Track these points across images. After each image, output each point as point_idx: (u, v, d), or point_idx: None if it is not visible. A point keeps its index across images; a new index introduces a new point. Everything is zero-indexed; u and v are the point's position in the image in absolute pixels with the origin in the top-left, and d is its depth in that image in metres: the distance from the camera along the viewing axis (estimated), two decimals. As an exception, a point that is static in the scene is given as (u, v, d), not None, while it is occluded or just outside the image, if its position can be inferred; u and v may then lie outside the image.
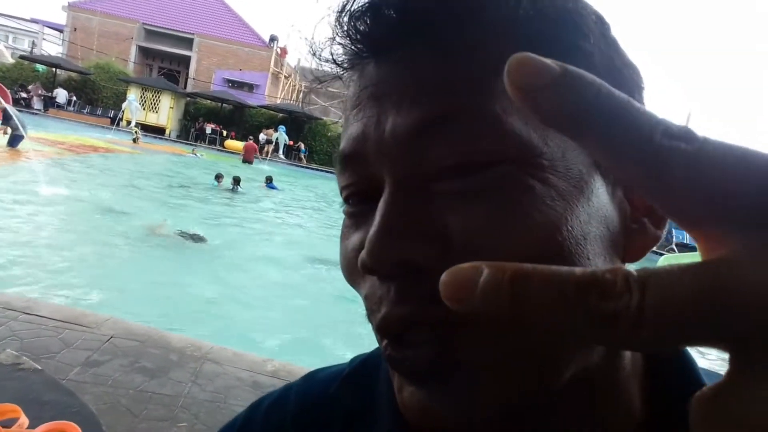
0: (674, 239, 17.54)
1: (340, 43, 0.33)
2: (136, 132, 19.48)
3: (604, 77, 0.30)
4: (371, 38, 0.32)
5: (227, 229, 8.33)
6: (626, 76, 0.33)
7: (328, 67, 0.35)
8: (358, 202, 0.34)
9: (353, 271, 0.33)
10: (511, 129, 0.28)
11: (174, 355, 3.01)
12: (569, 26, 0.31)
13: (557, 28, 0.31)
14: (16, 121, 9.34)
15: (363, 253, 0.29)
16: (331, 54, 0.34)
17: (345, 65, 0.34)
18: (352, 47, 0.33)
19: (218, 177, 12.01)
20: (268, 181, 13.50)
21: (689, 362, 0.37)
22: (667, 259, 15.96)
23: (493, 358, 0.28)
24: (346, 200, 0.35)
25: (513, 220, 0.28)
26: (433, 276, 0.28)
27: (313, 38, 0.34)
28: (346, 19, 0.32)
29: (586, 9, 0.32)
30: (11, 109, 9.86)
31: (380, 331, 0.31)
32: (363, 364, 0.45)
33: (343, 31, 0.32)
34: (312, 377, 0.47)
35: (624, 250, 0.32)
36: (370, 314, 0.32)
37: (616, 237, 0.31)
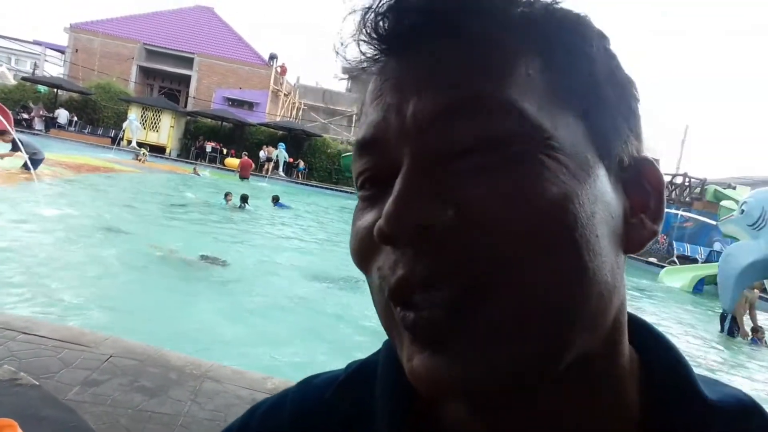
0: (675, 251, 17.52)
1: (363, 41, 0.34)
2: (144, 154, 19.56)
3: (605, 84, 0.34)
4: (395, 36, 0.33)
5: (234, 247, 8.31)
6: (625, 87, 0.36)
7: (350, 64, 0.36)
8: (373, 186, 0.35)
9: (364, 248, 0.34)
10: (526, 113, 0.30)
11: (173, 374, 2.99)
12: (576, 32, 0.34)
13: (566, 31, 0.34)
14: (21, 147, 9.57)
15: (380, 221, 0.30)
16: (360, 50, 0.35)
17: (367, 62, 0.36)
18: (376, 45, 0.34)
19: (227, 195, 12.07)
20: (276, 200, 13.53)
21: (687, 372, 0.38)
22: (667, 272, 15.73)
23: (507, 323, 0.29)
24: (361, 185, 0.36)
25: (528, 190, 0.29)
26: (450, 240, 0.29)
27: (340, 34, 0.36)
28: (371, 17, 0.33)
29: (589, 23, 0.35)
30: (23, 137, 10.22)
31: (395, 293, 0.31)
32: (359, 370, 0.45)
33: (367, 30, 0.34)
34: (308, 383, 0.47)
35: (624, 240, 0.34)
36: (382, 281, 0.32)
37: (617, 226, 0.33)
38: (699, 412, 0.35)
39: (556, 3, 0.34)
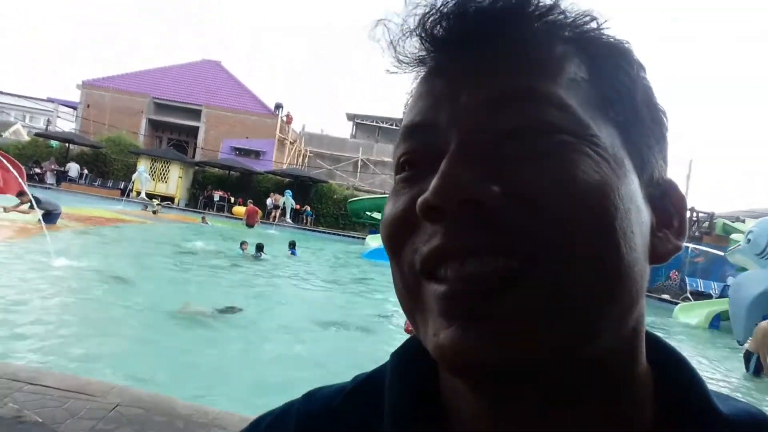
0: (688, 287, 17.22)
1: (420, 36, 0.36)
2: (158, 205, 19.76)
3: (642, 105, 0.36)
4: (455, 36, 0.35)
5: (248, 295, 8.24)
6: (658, 113, 0.38)
7: (405, 57, 0.38)
8: (414, 168, 0.36)
9: (400, 226, 0.34)
10: (572, 109, 0.32)
11: (180, 422, 2.92)
12: (620, 54, 0.36)
13: (611, 51, 0.36)
14: (35, 205, 9.94)
15: (426, 195, 0.31)
16: (424, 45, 0.36)
17: (420, 58, 0.37)
18: (434, 42, 0.36)
19: (242, 244, 12.08)
20: (292, 246, 13.49)
21: (700, 385, 0.38)
22: (682, 309, 15.31)
23: (545, 303, 0.30)
24: (401, 167, 0.36)
25: (574, 174, 0.31)
26: (494, 216, 0.30)
27: (403, 25, 0.37)
28: (432, 17, 0.35)
29: (632, 51, 0.37)
30: (41, 195, 10.81)
31: (427, 260, 0.32)
32: (366, 381, 0.45)
33: (428, 28, 0.35)
34: (313, 394, 0.47)
35: (650, 251, 0.35)
36: (414, 254, 0.33)
37: (645, 234, 0.34)
38: (712, 424, 0.35)
39: (603, 28, 0.36)
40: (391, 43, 0.37)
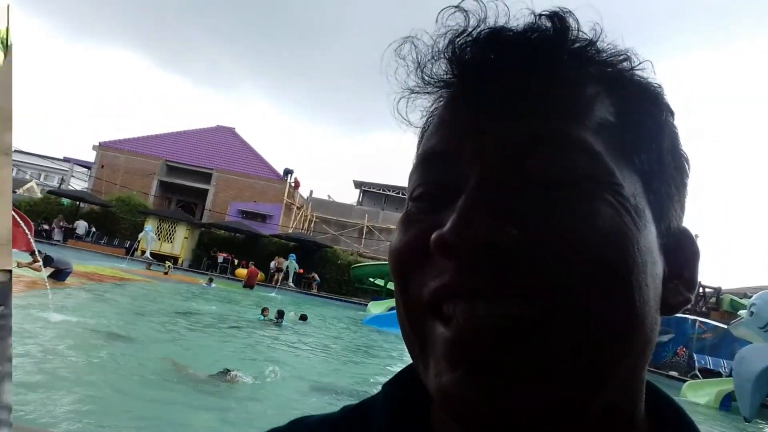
0: (696, 364, 16.70)
1: (449, 58, 0.36)
2: (169, 266, 19.86)
3: (667, 152, 0.36)
4: (485, 63, 0.34)
5: (254, 359, 8.09)
6: (682, 160, 0.38)
7: (430, 79, 0.37)
8: (429, 196, 0.35)
9: (410, 257, 0.34)
10: (599, 156, 0.32)
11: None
12: (650, 98, 0.36)
13: (641, 94, 0.36)
14: (42, 267, 10.16)
15: (444, 232, 0.30)
16: (451, 65, 0.36)
17: (447, 81, 0.37)
18: (460, 67, 0.35)
19: (264, 310, 12.06)
20: (303, 318, 13.38)
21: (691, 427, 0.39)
22: (690, 387, 14.73)
23: (557, 357, 0.29)
24: (417, 196, 0.36)
25: (593, 226, 0.30)
26: (509, 260, 0.29)
27: (433, 46, 0.36)
28: (463, 41, 0.35)
29: (663, 94, 0.37)
30: (55, 255, 11.20)
31: (435, 294, 0.31)
32: (354, 411, 0.44)
33: (455, 52, 0.35)
34: (300, 422, 0.46)
35: (661, 302, 0.35)
36: (423, 288, 0.32)
37: (658, 286, 0.34)
38: None
39: (636, 69, 0.36)
40: (418, 63, 0.37)
